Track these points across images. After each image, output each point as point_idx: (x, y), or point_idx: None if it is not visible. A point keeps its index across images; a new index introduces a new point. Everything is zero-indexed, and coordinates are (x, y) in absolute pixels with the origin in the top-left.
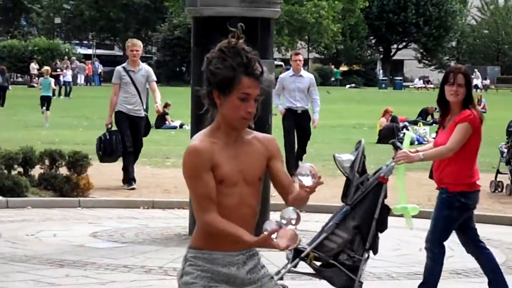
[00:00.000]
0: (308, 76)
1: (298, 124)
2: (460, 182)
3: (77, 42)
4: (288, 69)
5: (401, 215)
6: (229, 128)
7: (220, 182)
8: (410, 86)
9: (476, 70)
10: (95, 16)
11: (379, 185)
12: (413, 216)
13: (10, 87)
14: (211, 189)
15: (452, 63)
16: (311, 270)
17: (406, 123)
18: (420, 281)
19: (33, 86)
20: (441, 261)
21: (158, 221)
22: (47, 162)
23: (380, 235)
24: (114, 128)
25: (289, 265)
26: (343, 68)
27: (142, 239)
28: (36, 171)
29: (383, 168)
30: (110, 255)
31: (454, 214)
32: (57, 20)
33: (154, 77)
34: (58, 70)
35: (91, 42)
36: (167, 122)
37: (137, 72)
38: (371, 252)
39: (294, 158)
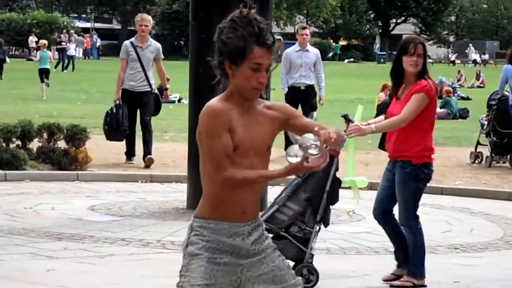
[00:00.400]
0: (314, 51)
1: (302, 100)
2: (422, 154)
3: (76, 15)
4: (289, 44)
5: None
6: (241, 98)
7: (234, 149)
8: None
9: (470, 45)
10: None
11: (330, 158)
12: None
13: (8, 60)
14: (229, 148)
15: (451, 38)
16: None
17: None
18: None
19: (31, 60)
20: (422, 233)
21: (156, 195)
22: (45, 135)
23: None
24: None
25: None
26: (342, 42)
27: (140, 212)
28: (34, 144)
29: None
30: (108, 229)
31: (420, 186)
32: None
33: (161, 55)
34: (63, 43)
35: (89, 16)
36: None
37: (144, 48)
38: (322, 225)
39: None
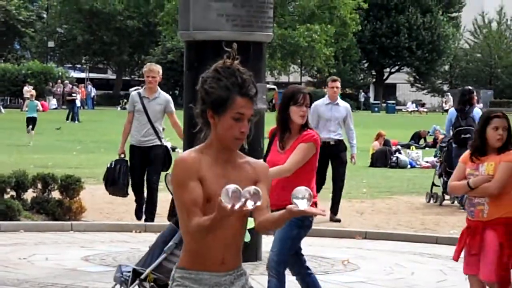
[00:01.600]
0: (344, 105)
1: (332, 155)
2: None
3: (70, 65)
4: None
5: None
6: (222, 147)
7: (207, 201)
8: (403, 110)
9: (448, 93)
10: (88, 39)
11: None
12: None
13: (3, 111)
14: (197, 196)
15: (445, 87)
16: None
17: (399, 147)
18: None
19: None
20: (284, 280)
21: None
22: (39, 186)
23: (373, 259)
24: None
25: None
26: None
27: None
28: (29, 195)
29: None
30: (102, 279)
31: (302, 233)
32: (51, 44)
33: (172, 108)
34: (73, 95)
35: (84, 66)
36: None
37: (151, 100)
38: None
39: (336, 198)
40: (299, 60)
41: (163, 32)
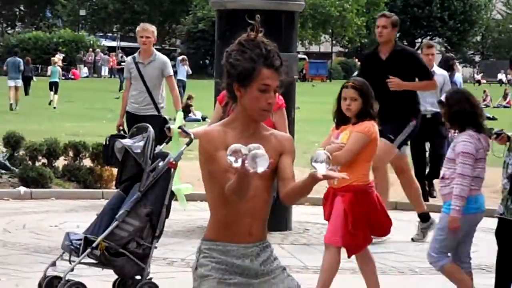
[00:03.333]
0: (441, 73)
1: (428, 129)
2: None
3: (102, 34)
4: (314, 63)
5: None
6: (249, 119)
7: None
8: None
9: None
10: (119, 8)
11: (168, 170)
12: None
13: (34, 78)
14: (226, 165)
15: (477, 58)
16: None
17: None
18: (442, 276)
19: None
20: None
21: (180, 213)
22: (71, 153)
23: (403, 229)
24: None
25: (81, 256)
26: None
27: (164, 231)
28: (60, 162)
29: (171, 153)
30: None
31: None
32: (82, 12)
33: (170, 71)
34: (122, 64)
35: (115, 35)
36: (190, 114)
37: (147, 64)
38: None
39: (424, 180)
40: (330, 30)
41: (194, 1)
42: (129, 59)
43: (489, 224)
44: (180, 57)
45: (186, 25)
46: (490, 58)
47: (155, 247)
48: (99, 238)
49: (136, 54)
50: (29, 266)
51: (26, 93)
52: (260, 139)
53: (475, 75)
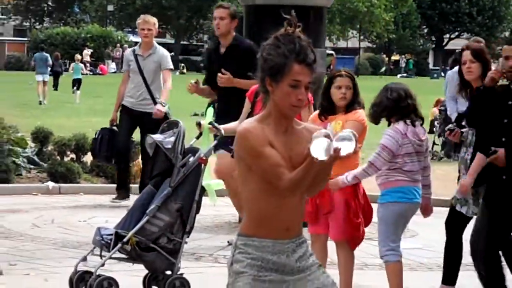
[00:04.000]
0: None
1: None
2: None
3: (129, 29)
4: (341, 59)
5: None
6: (280, 115)
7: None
8: None
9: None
10: (147, 3)
11: (199, 166)
12: None
13: (63, 73)
14: (277, 157)
15: None
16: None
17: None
18: (470, 272)
19: (85, 74)
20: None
21: (209, 208)
22: None
23: (430, 225)
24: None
25: (112, 251)
26: (395, 57)
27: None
28: (89, 157)
29: (202, 149)
30: None
31: None
32: (110, 8)
33: (168, 64)
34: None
35: None
36: None
37: (146, 57)
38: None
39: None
40: (358, 26)
41: None
42: (128, 51)
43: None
44: None
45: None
46: None
47: (186, 242)
48: (130, 233)
49: (136, 47)
50: (58, 260)
51: (56, 88)
52: (294, 134)
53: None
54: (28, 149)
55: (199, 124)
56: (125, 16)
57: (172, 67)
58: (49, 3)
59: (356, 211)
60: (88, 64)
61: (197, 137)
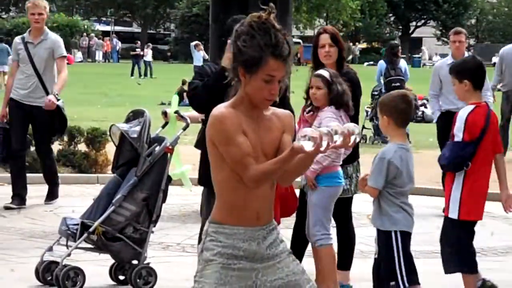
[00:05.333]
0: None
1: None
2: None
3: (96, 19)
4: (308, 47)
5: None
6: (251, 105)
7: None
8: (429, 64)
9: (423, 48)
10: None
11: (165, 155)
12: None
13: None
14: (248, 147)
15: (472, 41)
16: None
17: (425, 101)
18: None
19: None
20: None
21: (176, 198)
22: (66, 138)
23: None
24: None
25: (78, 241)
26: (362, 45)
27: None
28: (55, 147)
29: (168, 138)
30: None
31: None
32: None
33: (62, 51)
34: (137, 49)
35: (109, 19)
36: (185, 99)
37: (37, 44)
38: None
39: None
40: (324, 14)
41: None
42: (17, 39)
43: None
44: (193, 43)
45: (180, 9)
46: (485, 41)
47: (152, 232)
48: (96, 223)
49: (25, 34)
50: (25, 251)
51: None
52: (264, 120)
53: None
54: None
55: (165, 113)
56: (91, 5)
57: (65, 54)
58: None
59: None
60: None
61: (163, 126)
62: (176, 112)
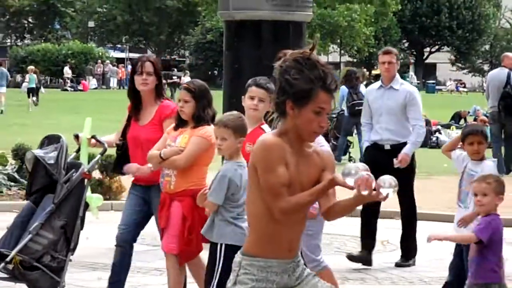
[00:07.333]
0: (405, 89)
1: (385, 166)
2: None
3: (111, 45)
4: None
5: None
6: (297, 137)
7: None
8: (443, 90)
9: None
10: (128, 20)
11: (82, 181)
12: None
13: (43, 90)
14: (286, 179)
15: (486, 67)
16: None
17: (439, 127)
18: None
19: (66, 90)
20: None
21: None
22: None
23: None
24: None
25: None
26: (376, 71)
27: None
28: None
29: (84, 163)
30: (143, 258)
31: None
32: (91, 24)
33: None
34: (174, 77)
35: (124, 46)
36: None
37: None
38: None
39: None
40: (338, 40)
41: (202, 12)
42: None
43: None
44: None
45: (194, 36)
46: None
47: (70, 260)
48: (13, 252)
49: None
50: None
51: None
52: (304, 156)
53: (484, 84)
54: (9, 166)
55: (76, 137)
56: (106, 32)
57: None
58: (30, 20)
59: (192, 226)
60: (68, 81)
61: (77, 151)
62: (94, 136)
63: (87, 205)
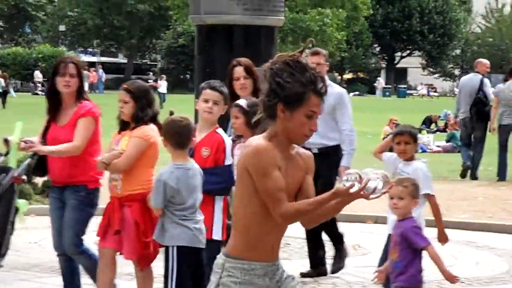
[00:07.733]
0: (334, 92)
1: (317, 171)
2: (95, 178)
3: (82, 49)
4: None
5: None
6: (286, 141)
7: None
8: (414, 94)
9: (379, 78)
10: (99, 24)
11: (12, 185)
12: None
13: (14, 94)
14: (281, 183)
15: (456, 71)
16: None
17: None
18: None
19: (37, 94)
20: (94, 254)
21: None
22: None
23: (380, 244)
24: None
25: None
26: (348, 75)
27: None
28: (40, 179)
29: (13, 167)
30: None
31: (93, 212)
32: (62, 28)
33: None
34: (150, 81)
35: (95, 50)
36: None
37: None
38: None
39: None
40: (310, 45)
41: (174, 16)
42: None
43: (468, 237)
44: None
45: (166, 40)
46: (470, 72)
47: (1, 266)
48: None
49: None
50: (8, 283)
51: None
52: (290, 158)
53: (455, 89)
54: None
55: (6, 141)
56: (77, 36)
57: None
58: (0, 23)
59: (145, 230)
60: (39, 85)
61: (5, 154)
62: (26, 141)
63: (17, 210)
